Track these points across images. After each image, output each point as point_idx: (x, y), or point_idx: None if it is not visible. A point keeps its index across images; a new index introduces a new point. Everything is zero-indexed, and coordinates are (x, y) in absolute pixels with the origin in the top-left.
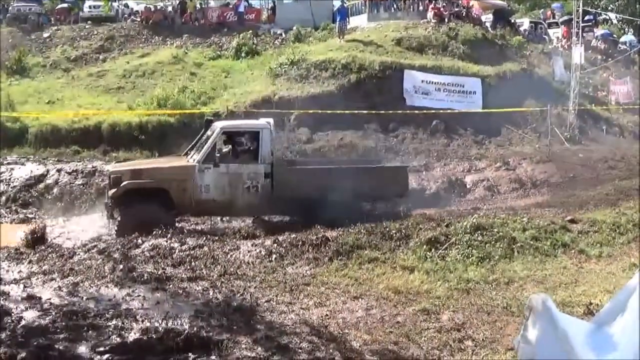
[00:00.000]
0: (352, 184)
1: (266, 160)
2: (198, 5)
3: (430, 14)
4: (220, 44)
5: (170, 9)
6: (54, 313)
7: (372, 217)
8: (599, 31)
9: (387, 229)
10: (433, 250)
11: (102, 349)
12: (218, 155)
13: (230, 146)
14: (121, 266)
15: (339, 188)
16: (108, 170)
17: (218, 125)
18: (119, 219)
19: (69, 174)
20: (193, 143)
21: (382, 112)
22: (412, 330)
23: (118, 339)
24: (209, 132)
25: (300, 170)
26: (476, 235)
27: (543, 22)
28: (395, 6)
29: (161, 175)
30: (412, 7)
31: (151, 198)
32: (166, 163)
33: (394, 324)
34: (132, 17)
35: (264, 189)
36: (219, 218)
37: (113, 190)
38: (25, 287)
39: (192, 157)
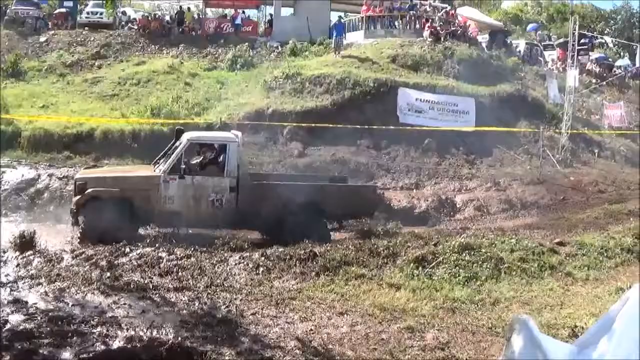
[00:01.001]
0: (318, 201)
1: (232, 174)
2: (195, 16)
3: (426, 33)
4: (216, 55)
5: (167, 18)
6: (39, 318)
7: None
8: (595, 54)
9: (375, 246)
10: (420, 268)
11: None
12: (183, 166)
13: (197, 158)
14: (108, 274)
15: (303, 205)
16: (75, 176)
17: (186, 136)
18: (81, 226)
19: (60, 179)
20: (162, 153)
21: (375, 128)
22: (396, 347)
23: (102, 347)
24: (177, 143)
25: (266, 186)
26: (464, 254)
27: (539, 44)
28: (391, 24)
29: (125, 184)
30: (408, 25)
31: (114, 207)
32: (132, 172)
33: (379, 340)
34: (130, 24)
35: (229, 202)
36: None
37: (77, 197)
38: (11, 290)
39: (158, 167)
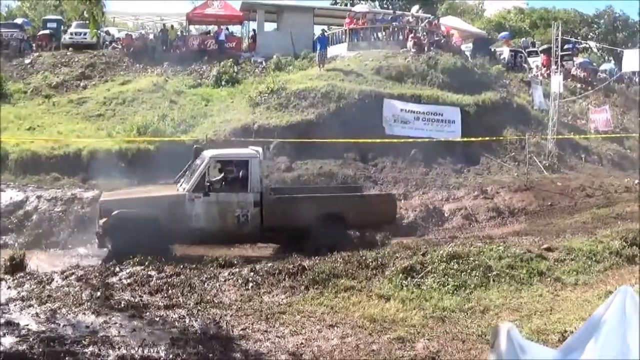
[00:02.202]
0: (340, 212)
1: (255, 189)
2: (179, 33)
3: (409, 43)
4: (201, 72)
5: (151, 36)
6: (31, 339)
7: (360, 245)
8: (579, 60)
9: (364, 258)
10: (409, 278)
11: None
12: (208, 184)
13: (219, 175)
14: (99, 293)
15: (326, 216)
16: (99, 199)
17: (207, 154)
18: (109, 247)
19: (48, 200)
20: (182, 171)
21: (361, 140)
22: (387, 358)
23: None
24: (198, 161)
25: (290, 199)
26: (452, 263)
27: (523, 51)
28: (375, 35)
29: (151, 205)
30: (392, 36)
31: (141, 227)
32: (156, 192)
33: (369, 352)
34: (114, 44)
35: (254, 217)
36: None
37: (104, 220)
38: (3, 313)
39: (181, 185)
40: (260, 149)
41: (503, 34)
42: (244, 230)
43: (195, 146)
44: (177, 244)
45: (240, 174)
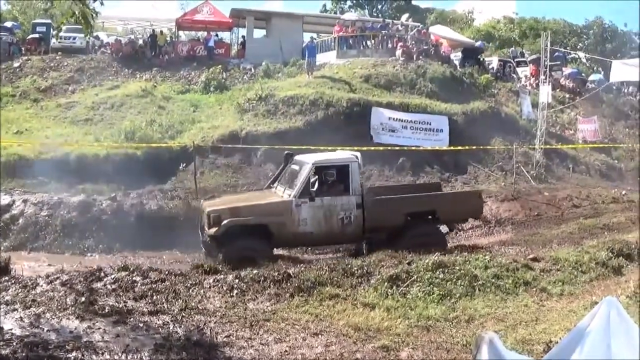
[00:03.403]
0: (434, 209)
1: (357, 192)
2: (168, 39)
3: (398, 52)
4: (189, 78)
5: (141, 42)
6: (14, 344)
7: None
8: (568, 70)
9: (349, 266)
10: (394, 287)
11: None
12: (313, 189)
13: (321, 180)
14: (83, 298)
15: (422, 214)
16: (204, 208)
17: (309, 160)
18: (220, 256)
19: (35, 205)
20: (274, 177)
21: (349, 148)
22: None
23: None
24: (294, 167)
25: (388, 200)
26: (438, 272)
27: (512, 61)
28: (364, 43)
29: (260, 212)
30: (381, 44)
31: (251, 234)
32: (261, 199)
33: None
34: (103, 49)
35: (357, 219)
36: None
37: (214, 229)
38: None
39: (284, 191)
40: (359, 154)
41: (478, 43)
42: (347, 231)
43: (286, 152)
44: (285, 248)
45: (342, 178)
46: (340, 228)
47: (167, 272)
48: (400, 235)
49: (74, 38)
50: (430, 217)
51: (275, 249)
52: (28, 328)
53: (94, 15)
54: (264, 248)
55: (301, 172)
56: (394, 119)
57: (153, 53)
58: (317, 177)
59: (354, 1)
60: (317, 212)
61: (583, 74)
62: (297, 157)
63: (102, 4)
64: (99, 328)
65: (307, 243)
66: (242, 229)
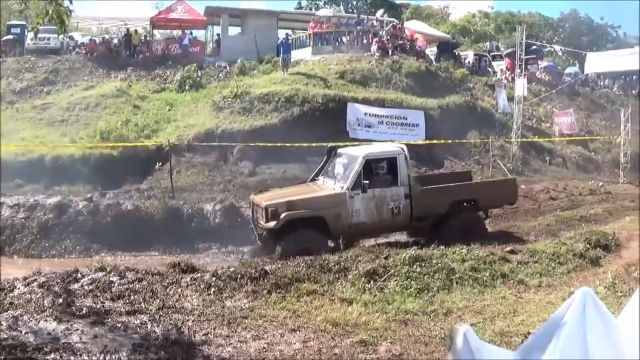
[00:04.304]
0: (475, 198)
1: (405, 183)
2: (143, 38)
3: (374, 47)
4: (165, 77)
5: (115, 41)
6: None
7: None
8: (543, 63)
9: (326, 262)
10: (372, 282)
11: None
12: (366, 182)
13: (371, 172)
14: (61, 300)
15: (464, 202)
16: (260, 203)
17: (359, 153)
18: (279, 249)
19: (11, 207)
20: (318, 169)
21: (325, 144)
22: None
23: None
24: (342, 160)
25: (434, 189)
26: (415, 266)
27: (487, 55)
28: (339, 39)
29: (316, 204)
30: (356, 40)
31: (309, 226)
32: (314, 192)
33: (332, 356)
34: (77, 49)
35: (405, 208)
36: None
37: (273, 223)
38: None
39: (335, 184)
40: (405, 147)
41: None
42: (397, 221)
43: (329, 145)
44: (340, 239)
45: (390, 169)
46: (390, 218)
47: (144, 272)
48: (444, 223)
49: (49, 39)
50: (471, 204)
51: (332, 240)
52: (6, 331)
53: (69, 14)
54: (323, 239)
55: (352, 165)
56: (370, 114)
57: (128, 52)
58: (366, 169)
59: None
60: (369, 203)
61: (559, 67)
62: (343, 151)
63: (70, 2)
64: (77, 329)
65: (360, 233)
66: (299, 222)
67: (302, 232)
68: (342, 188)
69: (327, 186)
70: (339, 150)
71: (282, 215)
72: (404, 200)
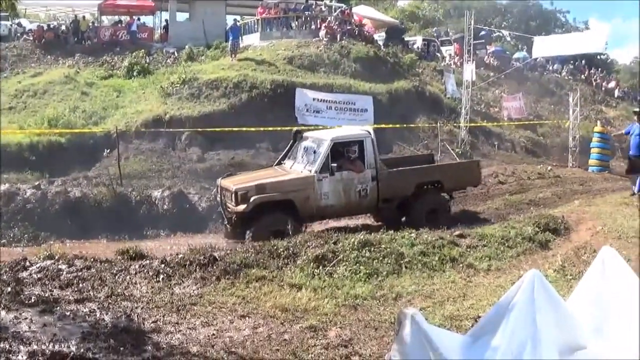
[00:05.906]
0: (440, 179)
1: (372, 166)
2: (91, 24)
3: (322, 32)
4: (113, 63)
5: (63, 28)
6: None
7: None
8: (492, 48)
9: (275, 247)
10: (321, 267)
11: None
12: (334, 165)
13: (339, 155)
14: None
15: (429, 183)
16: (229, 187)
17: (326, 137)
18: (249, 233)
19: None
20: (284, 153)
21: (273, 130)
22: (299, 347)
23: None
24: (309, 144)
25: (400, 172)
26: (364, 251)
27: (436, 40)
28: (287, 25)
29: (285, 188)
30: (304, 25)
31: (278, 209)
32: (282, 176)
33: (281, 341)
34: (25, 36)
35: (372, 191)
36: None
37: (243, 206)
38: None
39: (304, 167)
40: (371, 130)
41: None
42: (364, 203)
43: (295, 129)
44: (308, 221)
45: (358, 153)
46: (357, 200)
47: (92, 259)
48: (409, 205)
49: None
50: (435, 186)
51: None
52: None
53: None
54: (292, 222)
55: (320, 148)
56: (318, 99)
57: (76, 39)
58: (333, 152)
59: None
60: (337, 185)
61: (507, 52)
62: (309, 134)
63: None
64: (26, 318)
65: (329, 215)
66: (268, 205)
67: (271, 216)
68: (310, 171)
69: (295, 170)
70: (305, 134)
71: (252, 199)
72: (371, 182)
